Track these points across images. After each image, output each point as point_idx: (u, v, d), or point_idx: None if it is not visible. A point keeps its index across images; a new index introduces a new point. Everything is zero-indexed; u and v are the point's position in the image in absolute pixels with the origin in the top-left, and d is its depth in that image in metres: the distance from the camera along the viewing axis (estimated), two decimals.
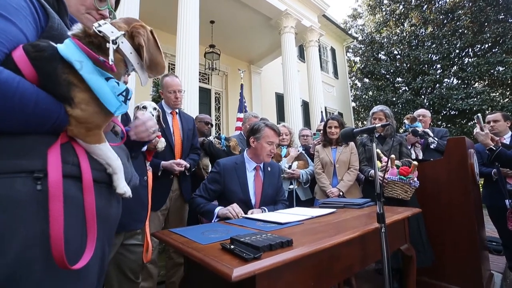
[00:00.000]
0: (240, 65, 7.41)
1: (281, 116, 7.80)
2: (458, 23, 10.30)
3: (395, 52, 12.02)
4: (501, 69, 9.24)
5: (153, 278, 1.88)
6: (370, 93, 11.86)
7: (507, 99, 9.85)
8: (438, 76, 10.35)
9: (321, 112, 6.18)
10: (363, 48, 12.84)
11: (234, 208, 1.60)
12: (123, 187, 0.73)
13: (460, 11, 10.17)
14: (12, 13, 0.59)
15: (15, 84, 0.53)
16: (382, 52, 12.28)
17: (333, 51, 11.20)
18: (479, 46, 10.23)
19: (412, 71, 11.05)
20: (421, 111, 3.23)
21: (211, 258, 0.79)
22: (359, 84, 13.68)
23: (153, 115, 1.81)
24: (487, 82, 10.21)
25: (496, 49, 9.73)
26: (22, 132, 0.58)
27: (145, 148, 1.73)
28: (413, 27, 11.46)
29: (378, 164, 2.01)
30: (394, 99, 10.76)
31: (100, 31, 0.65)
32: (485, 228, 2.48)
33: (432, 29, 11.01)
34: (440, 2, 11.00)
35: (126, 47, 0.69)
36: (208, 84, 7.36)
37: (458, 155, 2.17)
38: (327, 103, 9.22)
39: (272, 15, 6.05)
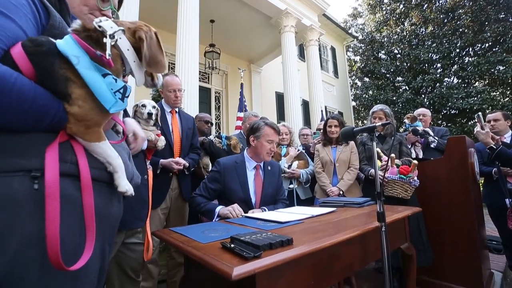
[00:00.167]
0: (240, 64, 7.40)
1: (281, 115, 7.80)
2: (458, 22, 10.28)
3: (395, 51, 12.00)
4: (501, 68, 9.23)
5: (153, 278, 1.88)
6: (370, 92, 11.85)
7: (507, 98, 9.84)
8: (438, 75, 10.34)
9: (321, 111, 6.18)
10: (363, 47, 12.82)
11: (235, 209, 1.60)
12: (124, 186, 0.73)
13: (460, 10, 10.15)
14: (11, 10, 0.59)
15: (13, 80, 0.53)
16: (382, 51, 12.26)
17: (333, 50, 11.18)
18: (479, 45, 10.22)
19: (413, 70, 11.05)
20: (421, 110, 3.23)
21: (211, 257, 0.79)
22: (359, 83, 13.66)
23: (152, 113, 1.82)
24: (487, 81, 10.21)
25: (497, 48, 9.72)
26: (20, 129, 0.57)
27: (145, 146, 1.73)
28: (414, 26, 11.44)
29: (378, 163, 2.01)
30: (394, 98, 10.76)
31: (100, 26, 0.65)
32: (485, 227, 2.48)
33: (432, 28, 10.99)
34: (440, 1, 10.98)
35: (124, 43, 0.68)
36: (208, 83, 7.35)
37: (459, 154, 2.17)
38: (327, 102, 9.22)
39: (272, 14, 6.04)
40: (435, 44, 10.63)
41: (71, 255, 0.58)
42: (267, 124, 1.86)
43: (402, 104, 10.46)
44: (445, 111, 10.42)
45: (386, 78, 12.16)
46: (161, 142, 1.83)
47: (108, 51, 0.64)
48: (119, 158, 0.71)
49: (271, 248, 0.83)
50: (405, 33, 11.56)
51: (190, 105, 3.88)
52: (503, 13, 9.59)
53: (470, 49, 10.54)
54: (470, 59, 10.41)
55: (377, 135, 2.49)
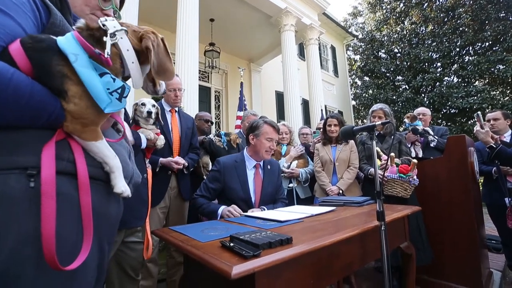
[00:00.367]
0: (240, 63, 7.39)
1: (281, 114, 7.79)
2: (458, 21, 10.26)
3: (395, 50, 11.99)
4: (501, 67, 9.23)
5: (153, 277, 1.89)
6: (370, 91, 11.85)
7: (507, 98, 9.84)
8: (438, 75, 10.34)
9: (321, 110, 6.18)
10: (363, 46, 12.81)
11: (233, 212, 1.61)
12: (120, 187, 0.71)
13: (460, 9, 10.14)
14: (10, 7, 0.59)
15: (9, 75, 0.53)
16: (382, 50, 12.25)
17: (333, 49, 11.17)
18: (479, 44, 10.21)
19: (412, 69, 11.04)
20: (421, 109, 3.23)
21: (210, 256, 0.79)
22: (359, 83, 13.65)
23: (151, 112, 1.82)
24: (487, 80, 10.21)
25: (497, 47, 9.71)
26: (18, 126, 0.57)
27: (144, 145, 1.73)
28: (414, 25, 11.43)
29: (377, 162, 2.01)
30: (394, 97, 10.75)
31: (104, 25, 0.65)
32: (485, 227, 2.49)
33: (432, 27, 10.98)
34: (440, 0, 10.97)
35: (125, 44, 0.68)
36: (208, 82, 7.34)
37: (458, 153, 2.17)
38: (327, 101, 9.21)
39: (272, 13, 6.03)
40: (435, 43, 10.62)
41: (68, 254, 0.57)
42: (266, 122, 1.86)
43: (402, 103, 10.46)
44: (445, 110, 10.43)
45: (386, 77, 12.15)
46: (161, 141, 1.83)
47: (107, 50, 0.63)
48: (116, 158, 0.71)
49: (271, 247, 0.83)
50: (405, 32, 11.55)
51: (190, 104, 3.88)
52: (503, 12, 9.58)
53: (470, 48, 10.54)
54: (470, 58, 10.41)
55: (376, 134, 2.49)
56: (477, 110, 8.45)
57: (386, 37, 11.96)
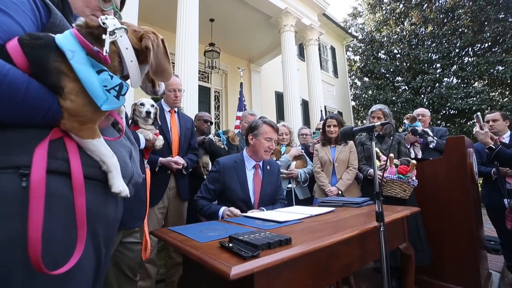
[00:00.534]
0: (240, 64, 7.39)
1: (280, 115, 7.79)
2: (458, 22, 10.29)
3: (395, 51, 12.01)
4: (500, 68, 9.24)
5: (151, 278, 1.88)
6: (370, 92, 11.86)
7: (506, 99, 9.86)
8: (437, 76, 10.36)
9: (321, 111, 6.18)
10: (363, 47, 12.82)
11: (233, 212, 1.61)
12: (118, 186, 0.70)
13: (460, 10, 10.16)
14: (9, 6, 0.59)
15: (5, 71, 0.53)
16: (382, 51, 12.26)
17: (333, 50, 11.18)
18: (479, 45, 10.23)
19: (412, 70, 11.05)
20: (420, 110, 3.23)
21: (209, 256, 0.79)
22: (358, 83, 13.66)
23: (150, 112, 1.82)
24: (486, 81, 10.22)
25: (496, 49, 9.73)
26: (14, 123, 0.57)
27: (143, 146, 1.73)
28: (413, 26, 11.45)
29: (377, 163, 2.01)
30: (393, 98, 10.77)
31: (104, 23, 0.65)
32: (484, 227, 2.49)
33: (432, 28, 11.00)
34: (440, 1, 10.99)
35: (124, 42, 0.67)
36: (208, 82, 7.34)
37: (457, 154, 2.17)
38: (327, 102, 9.21)
39: (272, 14, 6.04)
40: (434, 44, 10.64)
41: (61, 256, 0.56)
42: (265, 122, 1.86)
43: (401, 104, 10.47)
44: (444, 111, 10.44)
45: (386, 78, 12.16)
46: (159, 141, 1.83)
47: (105, 48, 0.63)
48: (114, 157, 0.70)
49: (270, 247, 0.83)
50: (404, 33, 11.57)
51: (190, 104, 3.87)
52: (502, 13, 9.60)
53: (470, 49, 10.56)
54: (469, 59, 10.43)
55: (376, 135, 2.49)
56: (477, 111, 8.44)
57: (385, 38, 11.97)
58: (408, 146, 2.83)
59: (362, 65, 12.79)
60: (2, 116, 0.55)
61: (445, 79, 10.55)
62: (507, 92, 10.14)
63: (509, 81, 9.45)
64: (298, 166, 2.78)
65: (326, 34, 9.28)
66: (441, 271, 2.13)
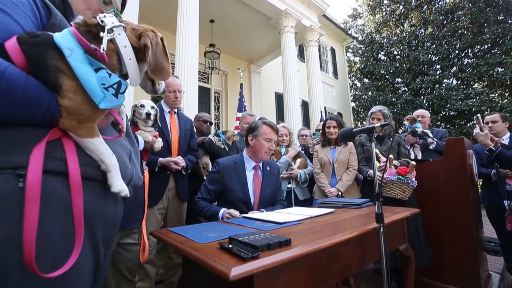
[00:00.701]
0: (240, 65, 7.40)
1: (280, 116, 7.80)
2: (457, 24, 10.30)
3: (395, 52, 12.02)
4: (500, 70, 9.24)
5: (150, 278, 1.88)
6: (370, 93, 11.86)
7: (506, 100, 9.86)
8: (437, 77, 10.36)
9: (321, 112, 6.18)
10: (363, 48, 12.84)
11: (232, 213, 1.61)
12: (118, 186, 0.69)
13: (460, 12, 10.17)
14: (9, 6, 0.59)
15: (2, 69, 0.53)
16: (382, 53, 12.27)
17: (333, 51, 11.20)
18: (478, 47, 10.24)
19: (412, 72, 11.06)
20: (420, 111, 3.24)
21: (209, 257, 0.79)
22: (358, 84, 13.68)
23: (150, 114, 1.82)
24: (486, 83, 10.23)
25: (496, 50, 9.74)
26: (13, 122, 0.57)
27: (141, 147, 1.73)
28: (413, 28, 11.46)
29: (376, 164, 2.01)
30: (393, 99, 10.77)
31: (102, 21, 0.65)
32: (483, 229, 2.49)
33: (432, 30, 11.01)
34: (440, 3, 11.00)
35: (122, 40, 0.67)
36: (208, 83, 7.35)
37: (457, 155, 2.17)
38: (327, 103, 9.23)
39: (272, 15, 6.05)
40: (434, 46, 10.65)
41: (60, 256, 0.56)
42: (265, 123, 1.86)
43: (401, 105, 10.47)
44: (444, 113, 10.44)
45: (386, 79, 12.17)
46: (158, 143, 1.83)
47: (103, 45, 0.63)
48: (113, 156, 0.69)
49: (269, 248, 0.83)
50: (404, 34, 11.58)
51: (190, 105, 3.88)
52: (502, 15, 9.62)
53: (469, 50, 10.56)
54: (469, 60, 10.43)
55: (375, 136, 2.49)
56: (476, 113, 8.45)
57: (385, 39, 11.98)
58: (408, 147, 2.84)
59: (362, 66, 12.80)
60: (1, 114, 0.54)
61: (445, 80, 10.55)
62: (507, 94, 10.14)
63: (508, 83, 9.45)
64: (301, 165, 2.79)
65: (326, 35, 9.30)
66: (441, 272, 2.13)
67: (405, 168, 2.05)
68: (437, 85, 10.49)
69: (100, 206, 0.69)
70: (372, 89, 11.86)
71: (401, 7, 11.71)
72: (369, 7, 12.73)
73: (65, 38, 0.60)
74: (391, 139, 2.41)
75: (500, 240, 2.63)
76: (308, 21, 6.61)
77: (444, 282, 2.10)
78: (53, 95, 0.59)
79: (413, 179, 2.06)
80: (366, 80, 12.97)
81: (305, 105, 7.89)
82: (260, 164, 1.92)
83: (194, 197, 1.83)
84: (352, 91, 12.87)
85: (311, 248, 0.89)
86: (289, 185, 2.71)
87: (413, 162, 2.06)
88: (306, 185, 2.75)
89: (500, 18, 9.63)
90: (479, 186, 2.67)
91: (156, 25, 5.74)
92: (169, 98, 2.15)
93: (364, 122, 11.22)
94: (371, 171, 2.36)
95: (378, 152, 2.31)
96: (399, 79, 11.83)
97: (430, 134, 2.87)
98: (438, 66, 10.92)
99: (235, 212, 1.62)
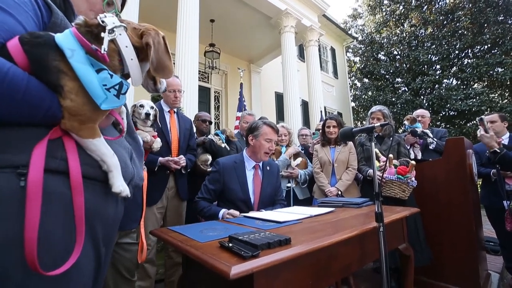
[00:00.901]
0: (240, 64, 7.39)
1: (280, 116, 7.80)
2: (458, 24, 10.30)
3: (395, 52, 12.02)
4: (500, 70, 9.25)
5: (150, 278, 1.88)
6: (370, 93, 11.87)
7: (506, 100, 9.87)
8: (437, 77, 10.36)
9: (321, 111, 6.19)
10: (363, 48, 12.84)
11: (233, 214, 1.61)
12: (119, 186, 0.70)
13: (460, 12, 10.17)
14: (11, 6, 0.59)
15: (5, 69, 0.53)
16: (382, 53, 12.27)
17: (333, 51, 11.20)
18: (478, 47, 10.24)
19: (412, 72, 11.06)
20: (420, 111, 3.24)
21: (209, 256, 0.79)
22: (358, 84, 13.68)
23: (150, 114, 1.82)
24: (486, 83, 10.23)
25: (496, 50, 9.74)
26: (14, 121, 0.57)
27: None
28: (413, 28, 11.46)
29: (376, 163, 2.01)
30: (393, 99, 10.77)
31: (103, 21, 0.64)
32: (483, 228, 2.49)
33: (432, 30, 11.02)
34: (440, 3, 11.00)
35: (124, 40, 0.67)
36: (208, 83, 7.35)
37: (457, 155, 2.17)
38: (327, 102, 9.23)
39: (272, 14, 6.05)
40: (434, 46, 10.65)
41: (61, 255, 0.56)
42: (265, 123, 1.86)
43: (401, 105, 10.47)
44: (444, 113, 10.45)
45: (386, 79, 12.18)
46: (157, 144, 1.82)
47: (104, 46, 0.62)
48: (114, 156, 0.69)
49: (269, 247, 0.83)
50: (404, 35, 11.58)
51: (190, 105, 3.88)
52: (502, 15, 9.62)
53: (469, 51, 10.56)
54: (469, 60, 10.44)
55: (375, 135, 2.50)
56: (476, 113, 8.48)
57: (385, 39, 11.98)
58: (408, 147, 2.84)
59: (362, 66, 12.80)
60: (3, 114, 0.54)
61: (445, 80, 10.56)
62: (507, 94, 10.16)
63: (508, 83, 9.46)
64: (301, 165, 2.79)
65: (326, 35, 9.30)
66: (441, 272, 2.13)
67: (404, 168, 2.05)
68: (437, 85, 10.50)
69: (101, 205, 0.69)
70: (372, 89, 11.87)
71: (401, 7, 11.71)
72: (369, 7, 12.73)
73: (66, 39, 0.60)
74: (391, 138, 2.41)
75: (500, 239, 2.63)
76: (308, 21, 6.61)
77: (443, 282, 2.11)
78: (54, 95, 0.59)
79: (413, 178, 2.06)
80: (366, 80, 12.98)
81: (305, 105, 7.90)
82: (260, 164, 1.92)
83: (194, 196, 1.84)
84: (352, 91, 12.87)
85: (311, 247, 0.89)
86: (289, 184, 2.71)
87: (413, 162, 2.06)
88: (305, 185, 2.76)
89: (500, 18, 9.63)
90: (478, 186, 2.67)
91: (156, 25, 5.67)
92: (169, 97, 2.15)
93: (364, 122, 11.22)
94: (371, 171, 2.36)
95: (378, 151, 2.31)
96: (399, 79, 11.83)
97: (430, 134, 2.87)
98: (438, 66, 10.92)
99: (236, 213, 1.62)
